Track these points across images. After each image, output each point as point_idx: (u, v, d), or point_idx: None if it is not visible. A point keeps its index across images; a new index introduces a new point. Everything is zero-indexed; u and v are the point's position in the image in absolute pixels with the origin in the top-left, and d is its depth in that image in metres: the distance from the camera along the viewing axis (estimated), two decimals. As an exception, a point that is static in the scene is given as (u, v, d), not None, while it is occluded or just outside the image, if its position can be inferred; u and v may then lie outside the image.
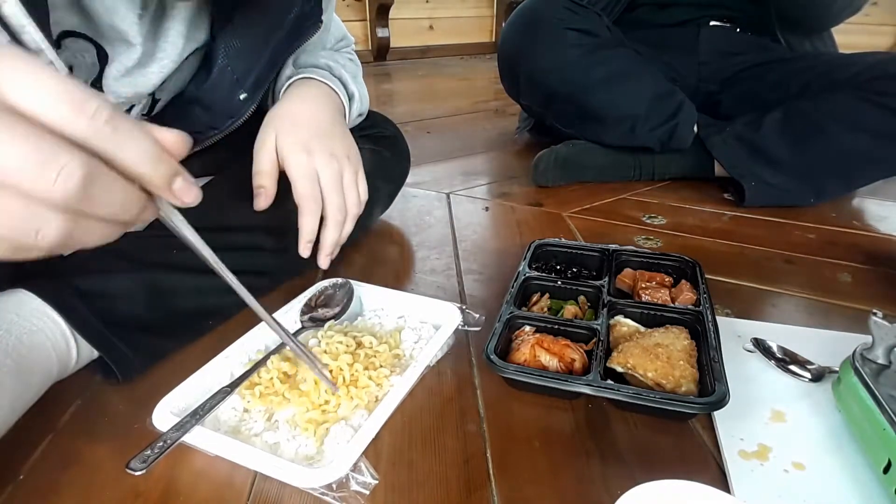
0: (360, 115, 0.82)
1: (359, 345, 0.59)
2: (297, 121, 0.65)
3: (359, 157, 0.68)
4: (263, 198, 0.61)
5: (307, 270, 0.76)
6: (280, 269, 0.72)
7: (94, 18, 0.55)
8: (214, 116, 0.69)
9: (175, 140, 0.31)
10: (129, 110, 0.64)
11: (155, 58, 0.62)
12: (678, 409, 0.51)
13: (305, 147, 0.62)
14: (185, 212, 0.34)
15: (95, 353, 0.54)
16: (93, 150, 0.27)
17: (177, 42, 0.62)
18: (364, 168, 0.68)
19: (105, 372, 0.56)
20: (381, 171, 0.83)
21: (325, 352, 0.57)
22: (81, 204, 0.27)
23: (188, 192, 0.31)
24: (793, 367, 0.59)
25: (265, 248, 0.67)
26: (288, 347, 0.52)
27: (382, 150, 0.86)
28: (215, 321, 0.65)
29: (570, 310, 0.67)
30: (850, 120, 1.04)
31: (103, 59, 0.58)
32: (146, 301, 0.57)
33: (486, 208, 1.08)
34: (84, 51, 0.56)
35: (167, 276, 0.59)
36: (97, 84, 0.60)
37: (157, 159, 0.29)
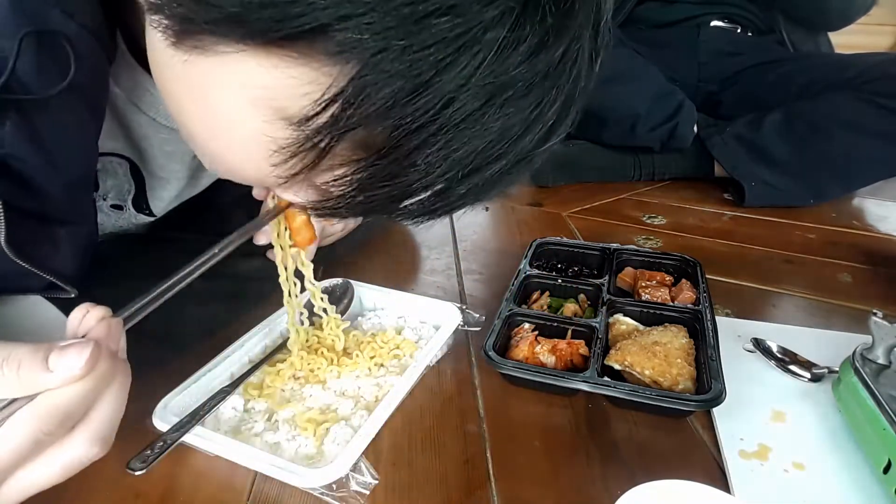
0: None
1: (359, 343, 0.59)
2: None
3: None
4: (265, 235, 0.61)
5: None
6: None
7: (146, 157, 0.55)
8: None
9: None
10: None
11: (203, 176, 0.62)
12: (674, 406, 0.51)
13: None
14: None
15: None
16: None
17: None
18: None
19: None
20: None
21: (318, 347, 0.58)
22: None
23: (72, 362, 0.31)
24: (793, 367, 0.59)
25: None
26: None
27: None
28: (216, 327, 0.65)
29: (569, 308, 0.67)
30: (850, 121, 1.04)
31: (137, 175, 0.57)
32: (156, 308, 0.57)
33: (486, 208, 1.08)
34: (118, 165, 0.56)
35: (177, 282, 0.59)
36: (141, 201, 0.60)
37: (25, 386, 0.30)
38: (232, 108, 0.32)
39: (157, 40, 0.33)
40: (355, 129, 0.29)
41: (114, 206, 0.59)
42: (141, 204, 0.60)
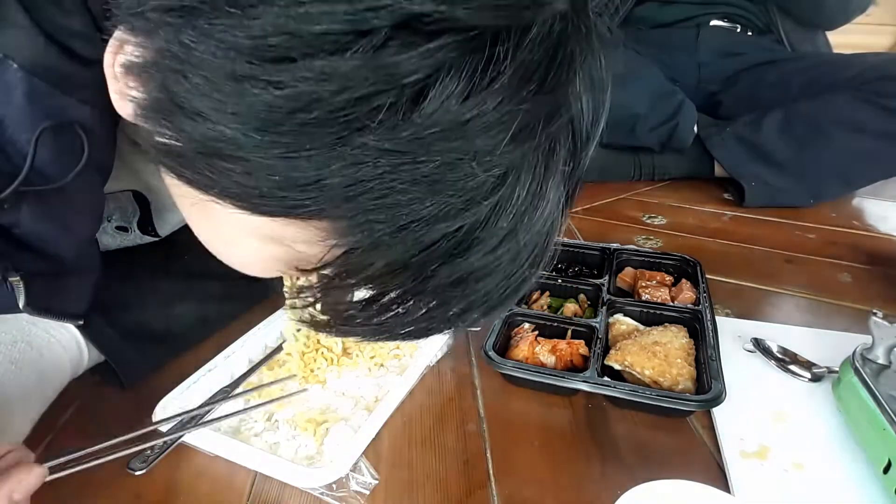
0: None
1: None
2: None
3: None
4: None
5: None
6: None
7: (154, 189, 0.56)
8: None
9: None
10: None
11: None
12: (674, 406, 0.51)
13: None
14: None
15: (103, 357, 0.55)
16: None
17: None
18: None
19: (106, 375, 0.56)
20: None
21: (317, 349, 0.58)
22: None
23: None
24: (793, 367, 0.59)
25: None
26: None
27: None
28: (216, 327, 0.65)
29: (569, 308, 0.67)
30: (850, 121, 1.04)
31: (141, 200, 0.58)
32: (155, 308, 0.58)
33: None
34: (120, 194, 0.56)
35: (176, 284, 0.59)
36: (147, 224, 0.60)
37: None
38: (238, 236, 0.33)
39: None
40: (343, 288, 0.31)
41: (119, 228, 0.59)
42: (146, 226, 0.60)
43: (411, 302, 0.31)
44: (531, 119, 0.26)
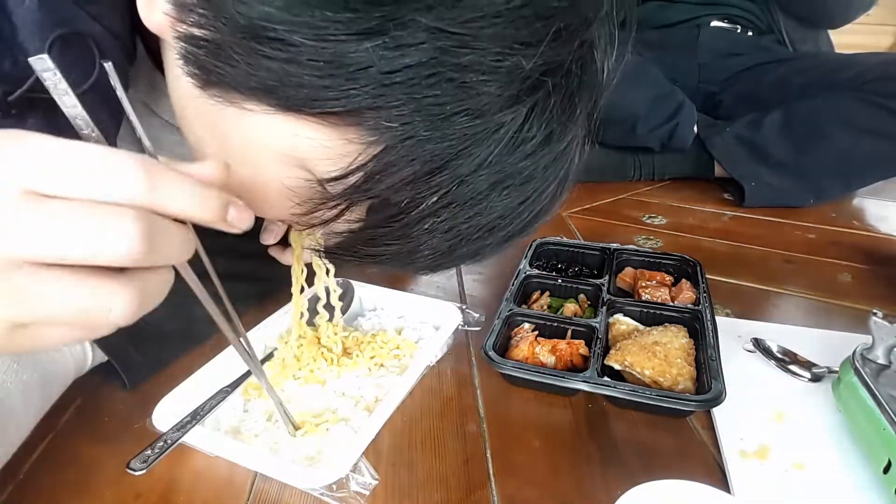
0: None
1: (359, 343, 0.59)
2: None
3: None
4: (272, 234, 0.61)
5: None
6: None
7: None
8: None
9: (210, 172, 0.29)
10: None
11: None
12: (674, 406, 0.51)
13: None
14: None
15: (105, 356, 0.54)
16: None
17: None
18: None
19: (108, 375, 0.55)
20: None
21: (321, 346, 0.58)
22: (146, 261, 0.25)
23: (242, 218, 0.29)
24: (793, 367, 0.59)
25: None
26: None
27: None
28: (216, 327, 0.65)
29: (569, 308, 0.67)
30: (850, 121, 1.04)
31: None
32: (159, 309, 0.57)
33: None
34: None
35: (179, 284, 0.59)
36: None
37: (205, 198, 0.27)
38: (254, 158, 0.33)
39: (179, 74, 0.33)
40: (374, 197, 0.31)
41: None
42: None
43: (445, 212, 0.31)
44: (571, 20, 0.28)
